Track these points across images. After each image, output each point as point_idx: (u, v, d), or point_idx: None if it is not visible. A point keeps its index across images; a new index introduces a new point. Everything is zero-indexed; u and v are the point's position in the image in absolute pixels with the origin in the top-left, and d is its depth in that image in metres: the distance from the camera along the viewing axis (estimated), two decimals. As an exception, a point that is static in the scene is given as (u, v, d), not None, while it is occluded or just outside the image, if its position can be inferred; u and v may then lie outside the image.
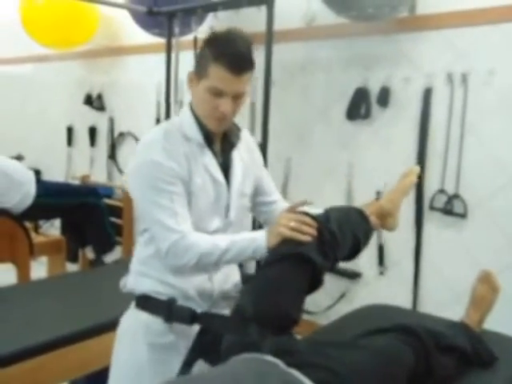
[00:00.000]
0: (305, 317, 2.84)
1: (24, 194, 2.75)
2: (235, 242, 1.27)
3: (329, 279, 2.71)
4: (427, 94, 2.35)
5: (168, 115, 3.14)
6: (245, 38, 1.30)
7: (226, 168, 1.38)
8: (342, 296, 2.71)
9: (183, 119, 1.37)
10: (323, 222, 1.28)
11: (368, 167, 2.62)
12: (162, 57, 3.10)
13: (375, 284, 2.62)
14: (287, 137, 2.85)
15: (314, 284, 1.27)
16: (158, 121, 3.37)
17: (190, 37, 2.96)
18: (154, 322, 1.34)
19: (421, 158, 2.40)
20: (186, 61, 2.96)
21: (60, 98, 4.28)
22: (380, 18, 2.37)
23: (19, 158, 3.87)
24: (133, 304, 1.40)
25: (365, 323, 1.50)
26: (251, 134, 2.98)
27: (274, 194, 1.55)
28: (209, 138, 1.35)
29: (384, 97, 2.45)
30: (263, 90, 2.51)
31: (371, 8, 2.33)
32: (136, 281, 1.39)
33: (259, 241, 1.27)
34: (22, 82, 4.59)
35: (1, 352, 1.61)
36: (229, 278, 1.45)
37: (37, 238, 3.12)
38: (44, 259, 3.26)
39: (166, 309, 1.33)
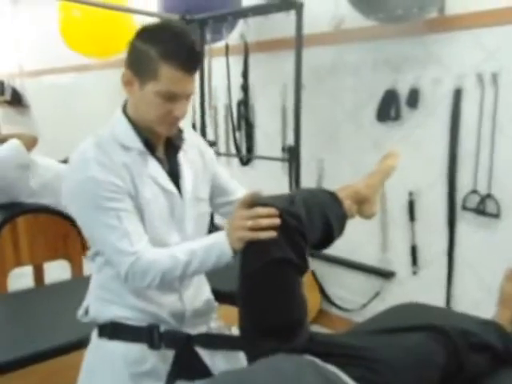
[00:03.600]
0: (340, 314, 2.94)
1: None
2: (195, 252, 1.15)
3: (363, 278, 2.80)
4: (457, 95, 2.34)
5: (203, 120, 3.24)
6: (187, 30, 1.15)
7: (175, 175, 1.25)
8: (377, 295, 2.76)
9: (116, 127, 1.22)
10: (285, 205, 1.14)
11: (399, 168, 2.61)
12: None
13: (409, 283, 2.65)
14: (319, 139, 2.90)
15: (303, 269, 1.17)
16: (193, 126, 3.48)
17: (221, 43, 3.04)
18: (130, 350, 1.24)
19: (452, 159, 2.40)
20: (218, 67, 3.06)
21: (101, 105, 4.46)
22: (408, 19, 2.37)
23: (66, 161, 4.10)
24: (95, 334, 1.29)
25: (397, 321, 1.48)
26: (283, 137, 3.10)
27: (236, 192, 1.41)
28: (150, 145, 1.22)
29: (413, 98, 2.45)
30: (294, 94, 2.56)
31: (399, 9, 2.32)
32: (98, 308, 1.27)
33: (221, 246, 1.13)
34: (65, 91, 4.80)
35: (63, 340, 1.76)
36: (199, 295, 1.36)
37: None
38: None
39: (148, 336, 1.24)
